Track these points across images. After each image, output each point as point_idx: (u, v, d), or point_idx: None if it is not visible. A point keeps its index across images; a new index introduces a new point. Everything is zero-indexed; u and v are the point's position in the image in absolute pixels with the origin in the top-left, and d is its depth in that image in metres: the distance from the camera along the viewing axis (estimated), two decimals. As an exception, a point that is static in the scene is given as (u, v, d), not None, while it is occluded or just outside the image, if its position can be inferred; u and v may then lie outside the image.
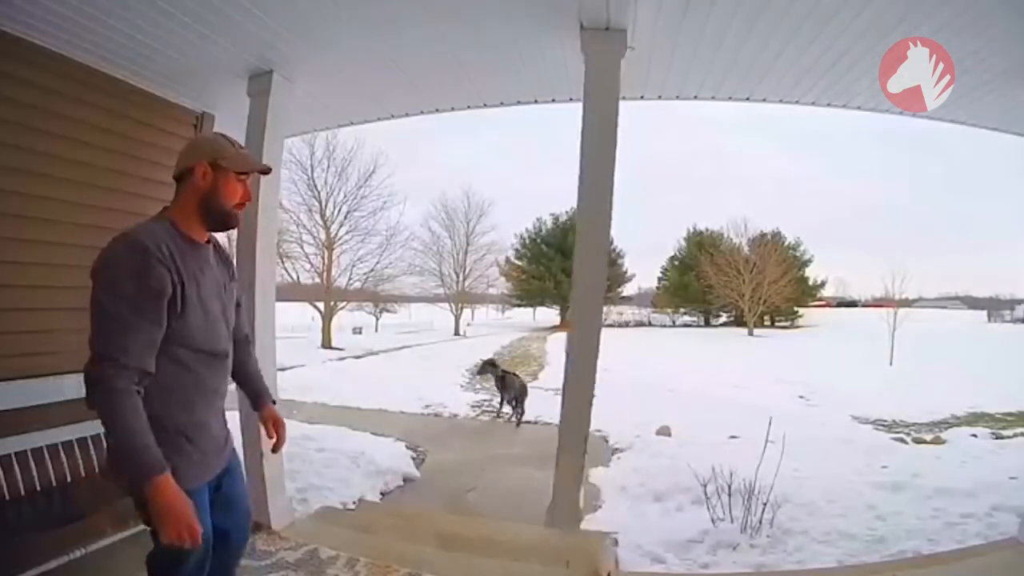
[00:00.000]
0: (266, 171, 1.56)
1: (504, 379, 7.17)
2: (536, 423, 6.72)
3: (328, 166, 21.34)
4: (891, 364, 14.58)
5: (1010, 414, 7.97)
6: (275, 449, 1.66)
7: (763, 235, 32.33)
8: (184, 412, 1.32)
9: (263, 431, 1.68)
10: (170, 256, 1.24)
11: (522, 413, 6.91)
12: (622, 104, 2.50)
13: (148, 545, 1.31)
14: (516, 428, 6.69)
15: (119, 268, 1.20)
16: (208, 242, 1.42)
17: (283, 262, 19.12)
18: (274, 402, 1.69)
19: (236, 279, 1.56)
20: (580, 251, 2.57)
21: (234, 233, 2.58)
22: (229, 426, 1.58)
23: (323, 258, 21.13)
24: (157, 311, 1.21)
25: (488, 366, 7.59)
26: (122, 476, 1.22)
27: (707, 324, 35.36)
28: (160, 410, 1.25)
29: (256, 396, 1.66)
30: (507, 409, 7.09)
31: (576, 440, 2.65)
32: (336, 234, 21.43)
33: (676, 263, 36.18)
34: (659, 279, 37.76)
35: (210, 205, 1.35)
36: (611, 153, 2.47)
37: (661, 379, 10.78)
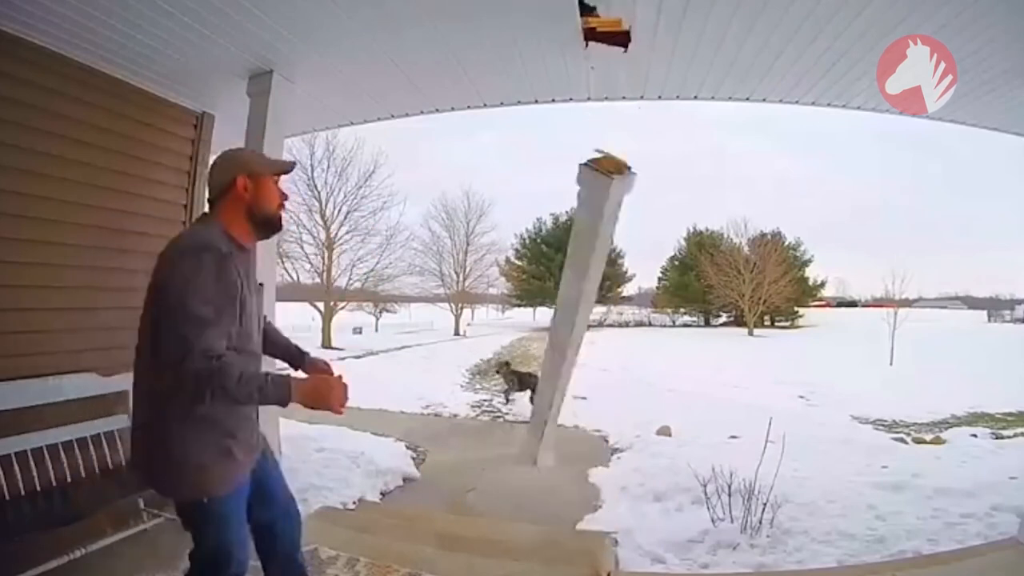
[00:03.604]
0: (292, 166, 1.59)
1: (520, 377, 8.44)
2: (536, 423, 6.72)
3: (328, 166, 21.29)
4: (891, 364, 14.57)
5: (1010, 414, 7.97)
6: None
7: (763, 235, 32.31)
8: (232, 414, 1.34)
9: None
10: (234, 260, 1.29)
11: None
12: (620, 104, 2.49)
13: (148, 545, 1.31)
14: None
15: (199, 270, 1.23)
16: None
17: (283, 262, 19.12)
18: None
19: None
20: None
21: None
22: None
23: (323, 258, 21.12)
24: (233, 309, 1.28)
25: (504, 366, 8.94)
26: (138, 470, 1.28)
27: (707, 324, 35.35)
28: (210, 411, 1.28)
29: (294, 358, 1.67)
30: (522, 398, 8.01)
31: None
32: (336, 234, 21.41)
33: (676, 263, 36.14)
34: (659, 279, 37.74)
35: (257, 213, 1.41)
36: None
37: (661, 379, 10.76)
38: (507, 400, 8.30)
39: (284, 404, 1.24)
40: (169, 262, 1.25)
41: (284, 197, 1.47)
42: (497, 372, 9.31)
